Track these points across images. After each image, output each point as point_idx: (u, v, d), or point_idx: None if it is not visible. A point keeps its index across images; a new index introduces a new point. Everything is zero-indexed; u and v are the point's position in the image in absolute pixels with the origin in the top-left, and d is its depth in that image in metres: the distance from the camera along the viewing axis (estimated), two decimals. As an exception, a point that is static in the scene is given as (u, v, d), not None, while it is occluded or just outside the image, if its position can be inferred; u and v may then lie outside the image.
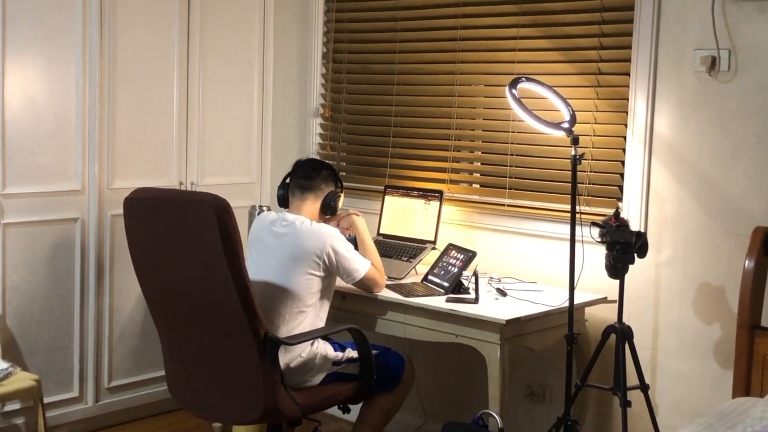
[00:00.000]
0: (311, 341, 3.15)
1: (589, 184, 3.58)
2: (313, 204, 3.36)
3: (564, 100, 3.34)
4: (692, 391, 3.36)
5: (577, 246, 3.26)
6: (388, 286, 3.44)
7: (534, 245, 3.75)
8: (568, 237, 3.24)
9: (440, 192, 3.86)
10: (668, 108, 3.39)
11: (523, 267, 3.75)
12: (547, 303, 3.32)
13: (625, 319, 3.13)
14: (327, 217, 3.43)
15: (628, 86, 3.47)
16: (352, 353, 3.24)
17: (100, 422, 4.03)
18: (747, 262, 3.03)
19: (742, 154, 3.22)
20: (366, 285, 3.34)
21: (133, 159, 4.04)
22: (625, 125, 3.49)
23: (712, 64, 3.23)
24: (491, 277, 3.63)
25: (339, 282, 3.33)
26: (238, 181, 4.48)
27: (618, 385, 3.06)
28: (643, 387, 3.12)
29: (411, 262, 3.73)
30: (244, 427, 3.70)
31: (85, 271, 3.91)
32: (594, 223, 3.20)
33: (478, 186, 4.01)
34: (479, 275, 3.33)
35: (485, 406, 3.13)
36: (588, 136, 3.55)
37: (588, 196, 3.58)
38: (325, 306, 3.27)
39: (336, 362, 3.21)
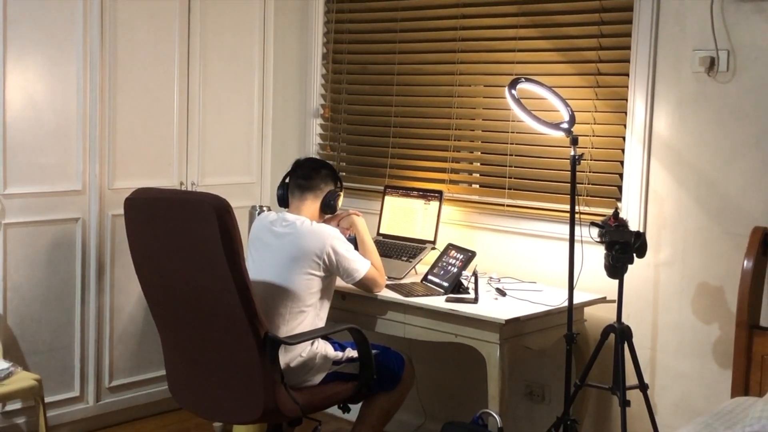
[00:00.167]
0: (311, 341, 3.16)
1: (588, 184, 3.59)
2: (312, 204, 3.37)
3: (563, 100, 3.35)
4: (691, 391, 3.37)
5: (577, 246, 3.27)
6: (388, 286, 3.45)
7: (533, 245, 3.75)
8: (568, 237, 3.25)
9: (440, 192, 3.87)
10: (667, 108, 3.39)
11: (523, 267, 3.75)
12: (546, 303, 3.33)
13: (624, 319, 3.14)
14: (327, 216, 3.44)
15: (627, 87, 3.47)
16: (352, 353, 3.24)
17: (101, 422, 4.03)
18: (746, 262, 3.04)
19: (740, 154, 3.23)
20: (366, 285, 3.35)
21: (134, 159, 4.05)
22: (624, 125, 3.49)
23: (711, 64, 3.24)
24: (491, 277, 3.64)
25: (339, 282, 3.34)
26: (239, 181, 4.49)
27: (617, 384, 3.07)
28: (642, 386, 3.12)
29: (411, 262, 3.74)
30: (244, 426, 3.70)
31: (85, 271, 3.92)
32: (593, 223, 3.21)
33: (477, 186, 4.02)
34: (479, 275, 3.33)
35: (485, 406, 3.13)
36: (587, 136, 3.56)
37: (587, 196, 3.59)
38: (325, 306, 3.28)
39: (336, 362, 3.22)
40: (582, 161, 3.32)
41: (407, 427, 4.07)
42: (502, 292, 3.45)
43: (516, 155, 3.80)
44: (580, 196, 3.55)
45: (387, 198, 4.04)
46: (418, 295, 3.36)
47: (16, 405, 3.71)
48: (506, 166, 3.83)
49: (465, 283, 3.41)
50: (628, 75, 3.47)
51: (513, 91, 3.32)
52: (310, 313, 3.20)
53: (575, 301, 3.23)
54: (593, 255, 3.36)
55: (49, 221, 3.79)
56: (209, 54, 4.31)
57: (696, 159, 3.33)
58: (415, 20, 4.16)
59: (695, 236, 3.34)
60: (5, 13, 3.57)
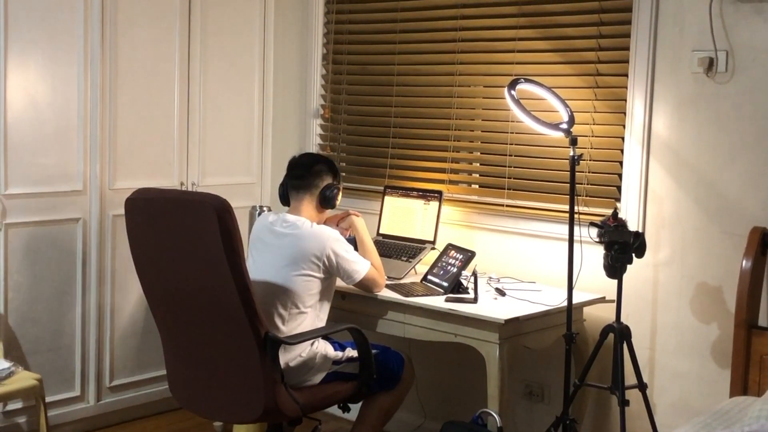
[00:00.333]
0: (311, 341, 3.16)
1: (587, 184, 3.60)
2: (309, 203, 3.35)
3: (562, 100, 3.36)
4: (690, 391, 3.38)
5: (576, 246, 3.27)
6: (387, 286, 3.46)
7: (533, 245, 3.76)
8: (567, 237, 3.25)
9: (439, 192, 3.87)
10: (666, 109, 3.40)
11: (522, 267, 3.76)
12: (545, 303, 3.33)
13: (623, 319, 3.15)
14: (327, 212, 3.42)
15: (626, 87, 3.48)
16: (352, 352, 3.25)
17: (102, 421, 4.04)
18: (744, 262, 3.04)
19: (739, 154, 3.23)
20: (366, 285, 3.35)
21: (135, 159, 4.05)
22: (623, 126, 3.50)
23: (710, 65, 3.24)
24: (490, 277, 3.65)
25: (339, 282, 3.34)
26: (239, 181, 4.50)
27: (616, 384, 3.07)
28: (641, 386, 3.13)
29: (410, 262, 3.75)
30: (244, 426, 3.71)
31: (86, 271, 3.93)
32: (592, 223, 3.21)
33: (477, 186, 4.02)
34: (478, 275, 3.34)
35: (484, 405, 3.14)
36: (586, 136, 3.56)
37: (586, 196, 3.59)
38: (326, 307, 3.29)
39: (336, 361, 3.23)
40: (581, 161, 3.33)
41: (407, 427, 4.07)
42: (501, 292, 3.45)
43: (515, 155, 3.81)
44: (580, 196, 3.55)
45: (387, 198, 4.04)
46: (417, 295, 3.37)
47: (16, 404, 3.71)
48: (505, 166, 3.83)
49: (464, 283, 3.42)
50: (627, 75, 3.47)
51: (512, 92, 3.33)
52: (310, 313, 3.21)
53: (574, 301, 3.24)
54: (592, 255, 3.37)
55: (50, 221, 3.80)
56: (209, 54, 4.31)
57: (695, 159, 3.34)
58: (415, 20, 4.16)
59: (694, 236, 3.35)
60: (6, 13, 3.58)
